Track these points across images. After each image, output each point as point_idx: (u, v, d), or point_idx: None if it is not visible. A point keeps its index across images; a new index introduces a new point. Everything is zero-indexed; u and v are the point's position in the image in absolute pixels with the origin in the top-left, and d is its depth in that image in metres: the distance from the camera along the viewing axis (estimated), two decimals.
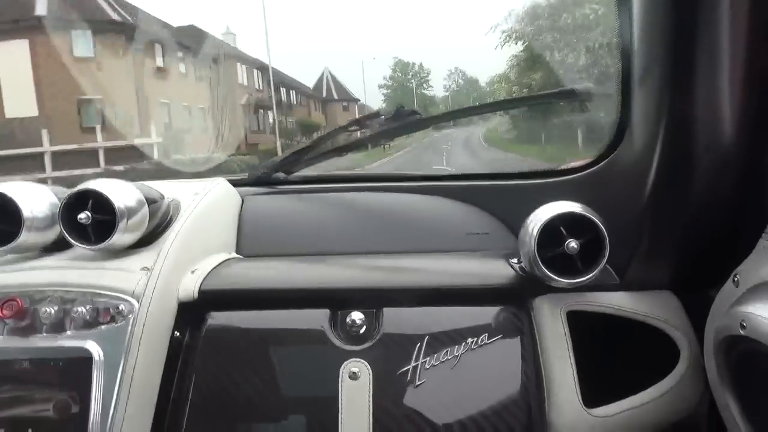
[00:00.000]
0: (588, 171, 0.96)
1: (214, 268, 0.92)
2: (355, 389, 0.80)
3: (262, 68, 22.41)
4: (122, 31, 15.42)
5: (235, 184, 1.18)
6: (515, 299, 0.86)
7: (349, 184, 1.22)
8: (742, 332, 0.59)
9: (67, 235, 0.83)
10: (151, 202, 0.89)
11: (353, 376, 0.80)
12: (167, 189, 1.00)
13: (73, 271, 0.84)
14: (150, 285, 0.82)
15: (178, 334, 0.85)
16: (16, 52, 14.19)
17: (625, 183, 0.83)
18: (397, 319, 0.84)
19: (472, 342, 0.82)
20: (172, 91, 17.06)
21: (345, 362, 0.81)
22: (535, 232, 0.76)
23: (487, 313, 0.84)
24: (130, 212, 0.84)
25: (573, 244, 0.74)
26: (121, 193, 0.84)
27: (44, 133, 12.12)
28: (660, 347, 0.83)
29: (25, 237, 0.82)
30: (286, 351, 0.83)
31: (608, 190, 0.90)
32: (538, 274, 0.78)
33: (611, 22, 0.83)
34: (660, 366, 0.82)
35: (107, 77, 15.23)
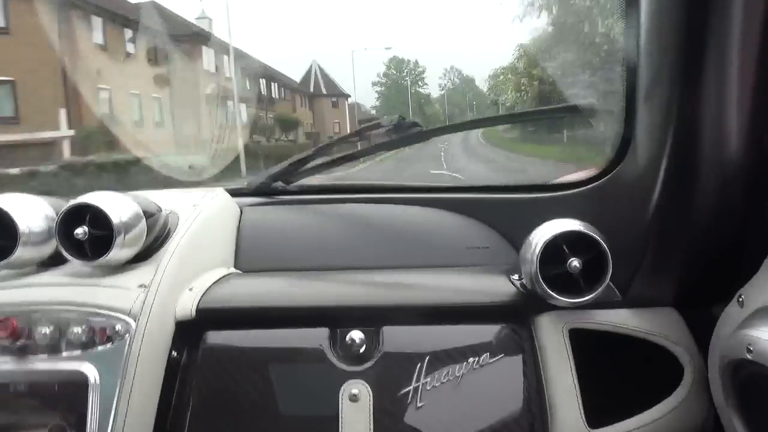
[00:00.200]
0: (591, 186, 0.95)
1: (212, 285, 0.91)
2: (356, 411, 0.78)
3: (243, 58, 19.81)
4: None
5: (234, 194, 1.16)
6: (517, 317, 0.85)
7: (349, 195, 1.20)
8: (748, 356, 0.58)
9: (63, 251, 0.81)
10: (149, 215, 0.88)
11: (353, 398, 0.79)
12: (165, 200, 0.99)
13: (69, 288, 0.82)
14: (147, 303, 0.80)
15: (175, 354, 0.83)
16: None
17: (629, 198, 0.82)
18: (397, 337, 0.83)
19: (473, 361, 0.81)
20: (115, 75, 14.41)
21: (345, 383, 0.80)
22: (537, 251, 0.75)
23: (488, 331, 0.83)
24: (128, 227, 0.82)
25: (575, 263, 0.74)
26: (119, 207, 0.82)
27: None
28: (663, 365, 0.82)
29: (20, 252, 0.81)
30: (284, 371, 0.82)
31: (611, 205, 0.89)
32: (540, 292, 0.77)
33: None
34: (664, 384, 0.81)
35: (23, 54, 12.28)
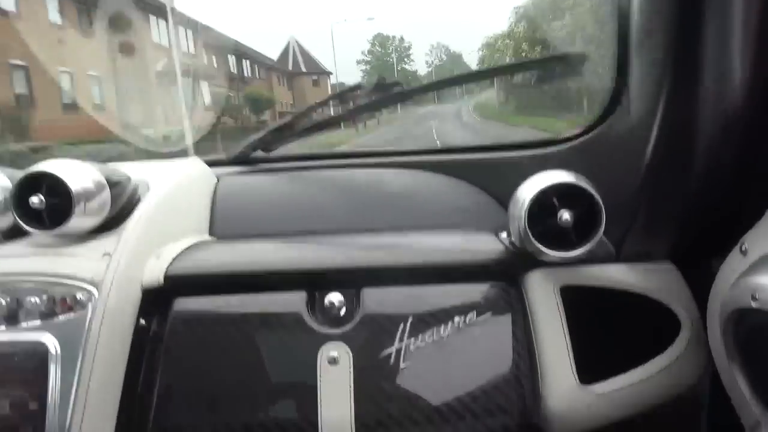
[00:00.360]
0: (581, 139, 0.92)
1: (183, 251, 0.87)
2: (335, 374, 0.75)
3: (207, 32, 17.26)
4: None
5: (211, 164, 1.13)
6: (505, 275, 0.82)
7: (332, 161, 1.17)
8: (753, 305, 0.55)
9: (20, 221, 0.78)
10: (114, 184, 0.84)
11: (333, 361, 0.75)
12: (135, 170, 0.95)
13: (28, 259, 0.79)
14: (110, 271, 0.76)
15: (143, 322, 0.79)
16: None
17: (622, 151, 0.79)
18: (378, 299, 0.80)
19: (459, 321, 0.77)
20: (36, 47, 11.98)
21: (323, 346, 0.76)
22: (526, 204, 0.72)
23: (475, 291, 0.80)
24: (89, 195, 0.78)
25: (566, 215, 0.71)
26: (78, 174, 0.78)
27: None
28: (659, 321, 0.79)
29: None
30: (260, 337, 0.78)
31: (604, 158, 0.85)
32: (530, 249, 0.74)
33: None
34: (659, 340, 0.79)
35: None
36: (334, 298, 0.79)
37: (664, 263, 0.81)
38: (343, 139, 11.11)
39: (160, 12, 14.97)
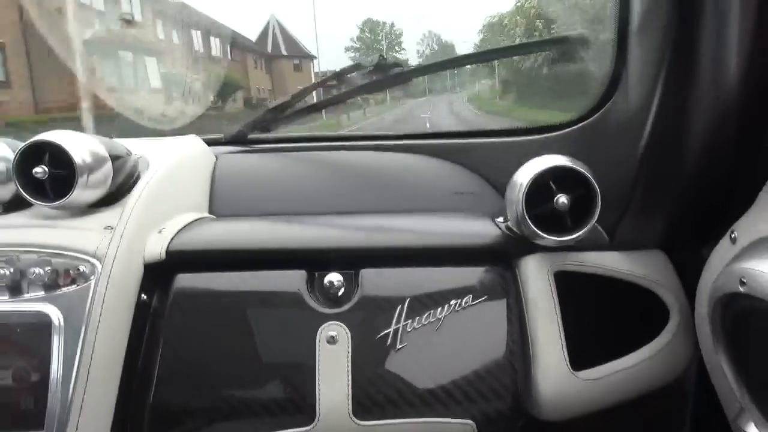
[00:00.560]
0: (578, 126, 0.93)
1: (184, 227, 0.87)
2: (333, 353, 0.76)
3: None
4: None
5: (210, 143, 1.12)
6: (501, 259, 0.83)
7: (330, 143, 1.17)
8: (741, 289, 0.56)
9: (22, 192, 0.77)
10: (116, 157, 0.84)
11: (331, 340, 0.76)
12: (135, 146, 0.95)
13: (30, 230, 0.79)
14: (113, 245, 0.77)
15: (144, 297, 0.80)
16: None
17: (618, 138, 0.80)
18: (377, 280, 0.81)
19: (455, 304, 0.79)
20: None
21: (322, 325, 0.77)
22: (523, 187, 0.73)
23: (471, 274, 0.81)
24: (92, 167, 0.78)
25: (563, 199, 0.71)
26: (82, 146, 0.78)
27: None
28: (650, 308, 0.81)
29: None
30: (259, 314, 0.79)
31: (599, 145, 0.86)
32: (526, 232, 0.75)
33: None
34: (649, 327, 0.80)
35: None
36: (334, 278, 0.80)
37: (655, 251, 0.83)
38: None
39: None
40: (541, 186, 0.73)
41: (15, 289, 0.73)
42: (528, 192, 0.72)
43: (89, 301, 0.72)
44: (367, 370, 0.76)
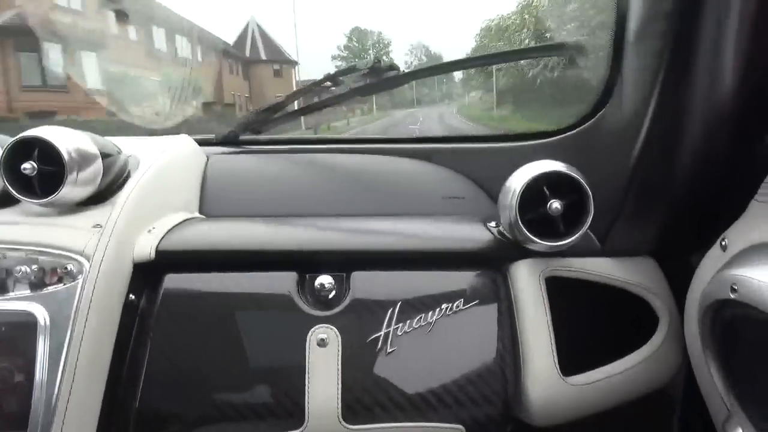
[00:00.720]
0: (572, 132, 0.93)
1: (174, 227, 0.86)
2: (324, 356, 0.76)
3: None
4: None
5: (201, 143, 1.11)
6: (492, 264, 0.83)
7: (321, 146, 1.17)
8: (732, 296, 0.57)
9: (10, 188, 0.76)
10: (106, 155, 0.82)
11: (321, 343, 0.76)
12: (126, 144, 0.94)
13: (18, 227, 0.77)
14: (102, 243, 0.76)
15: (133, 297, 0.79)
16: None
17: (611, 145, 0.80)
18: (368, 283, 0.80)
19: (446, 308, 0.79)
20: None
21: (313, 328, 0.77)
22: (517, 192, 0.73)
23: (462, 278, 0.81)
24: (81, 164, 0.77)
25: (556, 204, 0.72)
26: (72, 142, 0.77)
27: None
28: (639, 314, 0.81)
29: None
30: (249, 316, 0.78)
31: (592, 152, 0.87)
32: (518, 237, 0.75)
33: None
34: (639, 333, 0.81)
35: None
36: (324, 280, 0.80)
37: (645, 258, 0.83)
38: None
39: None
40: (535, 191, 0.73)
41: (0, 288, 0.72)
42: (521, 197, 0.73)
43: (76, 300, 0.71)
44: (357, 373, 0.76)
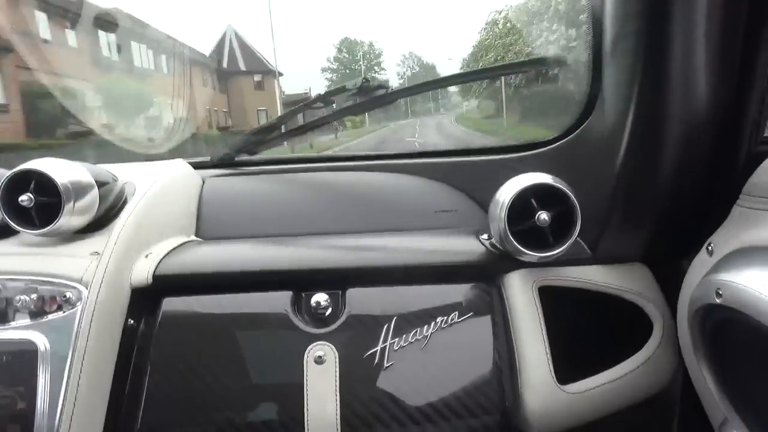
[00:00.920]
0: (558, 144, 0.95)
1: (171, 251, 0.87)
2: (321, 373, 0.77)
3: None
4: None
5: (196, 166, 1.13)
6: (485, 276, 0.84)
7: (315, 164, 1.18)
8: (717, 300, 0.58)
9: (8, 220, 0.78)
10: (102, 184, 0.84)
11: (318, 360, 0.77)
12: (122, 171, 0.95)
13: (17, 257, 0.79)
14: (100, 270, 0.77)
15: (132, 321, 0.80)
16: None
17: (597, 155, 0.81)
18: (363, 299, 0.81)
19: (441, 321, 0.79)
20: None
21: (310, 346, 0.78)
22: (505, 205, 0.74)
23: (456, 291, 0.82)
24: (78, 193, 0.78)
25: (544, 216, 0.73)
26: (67, 173, 0.79)
27: None
28: (633, 321, 0.82)
29: None
30: (247, 336, 0.79)
31: (579, 162, 0.88)
32: (509, 249, 0.76)
33: None
34: (633, 340, 0.81)
35: None
36: (320, 298, 0.81)
37: (637, 264, 0.84)
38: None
39: None
40: (523, 203, 0.74)
41: (1, 317, 0.73)
42: (510, 209, 0.74)
43: (76, 327, 0.72)
44: (355, 389, 0.76)
